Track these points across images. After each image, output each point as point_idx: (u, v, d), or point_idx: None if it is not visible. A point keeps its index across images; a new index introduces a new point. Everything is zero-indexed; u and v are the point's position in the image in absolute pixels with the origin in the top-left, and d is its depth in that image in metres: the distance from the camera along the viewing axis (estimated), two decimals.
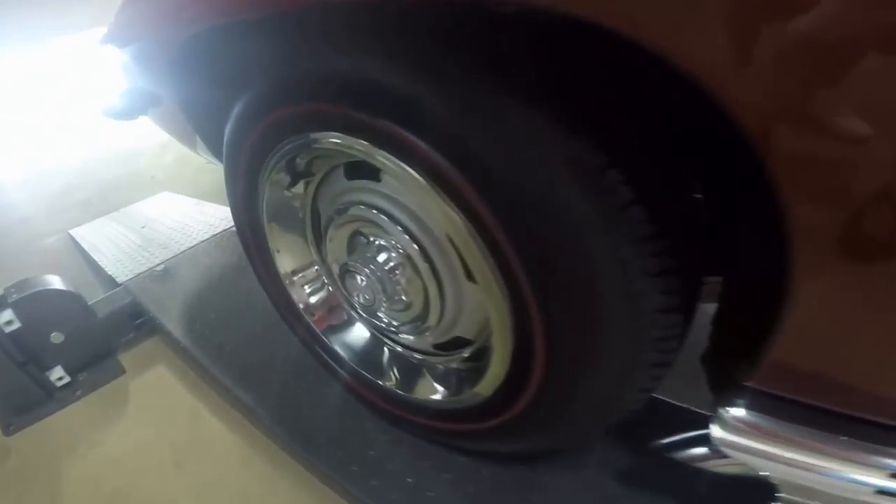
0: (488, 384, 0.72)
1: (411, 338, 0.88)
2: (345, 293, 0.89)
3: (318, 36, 0.65)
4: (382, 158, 0.63)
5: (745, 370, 0.59)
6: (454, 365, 0.84)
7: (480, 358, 0.77)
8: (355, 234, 0.83)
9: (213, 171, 2.35)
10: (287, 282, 0.96)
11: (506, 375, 0.68)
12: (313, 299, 0.98)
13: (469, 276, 0.72)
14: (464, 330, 0.80)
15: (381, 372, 0.92)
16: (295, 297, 0.97)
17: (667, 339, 0.60)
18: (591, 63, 0.54)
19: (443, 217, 0.61)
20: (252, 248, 0.98)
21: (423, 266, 0.74)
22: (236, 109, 0.80)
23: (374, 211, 0.76)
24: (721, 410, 0.62)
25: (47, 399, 1.31)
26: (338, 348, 0.95)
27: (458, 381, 0.82)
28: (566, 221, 0.53)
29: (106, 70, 1.27)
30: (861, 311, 0.46)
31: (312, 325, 0.97)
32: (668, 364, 0.64)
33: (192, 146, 1.16)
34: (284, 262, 0.95)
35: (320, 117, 0.67)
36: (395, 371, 0.91)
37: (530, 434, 0.75)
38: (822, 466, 0.61)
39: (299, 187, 0.89)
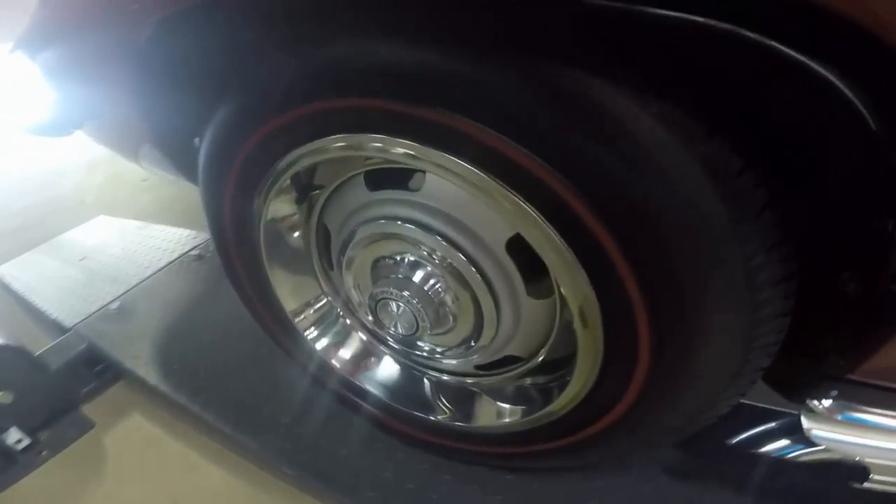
0: (563, 403, 0.65)
1: (453, 362, 0.79)
2: (372, 325, 0.79)
3: (358, 17, 0.54)
4: (439, 162, 0.54)
5: (839, 364, 0.56)
6: (527, 382, 0.76)
7: (555, 374, 0.70)
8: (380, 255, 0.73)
9: (152, 187, 2.13)
10: (295, 319, 0.85)
11: (587, 394, 0.62)
12: (329, 338, 0.87)
13: (531, 289, 0.65)
14: (517, 348, 0.73)
15: (425, 405, 0.82)
16: (307, 335, 0.86)
17: (775, 343, 0.56)
18: (722, 62, 0.46)
19: (513, 227, 0.54)
20: (245, 281, 0.86)
21: (476, 283, 0.65)
22: (222, 115, 0.68)
23: (411, 225, 0.66)
24: (812, 403, 0.60)
25: (9, 465, 1.13)
26: (367, 386, 0.85)
27: (529, 401, 0.75)
28: (699, 232, 0.46)
29: (23, 81, 1.09)
30: None
31: (332, 365, 0.86)
32: (767, 367, 0.60)
33: (135, 158, 1.00)
34: (289, 297, 0.84)
35: (356, 116, 0.57)
36: (445, 401, 0.82)
37: (603, 448, 0.70)
38: None
39: (304, 205, 0.78)
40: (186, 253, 1.59)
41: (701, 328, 0.51)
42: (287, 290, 0.83)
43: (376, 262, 0.72)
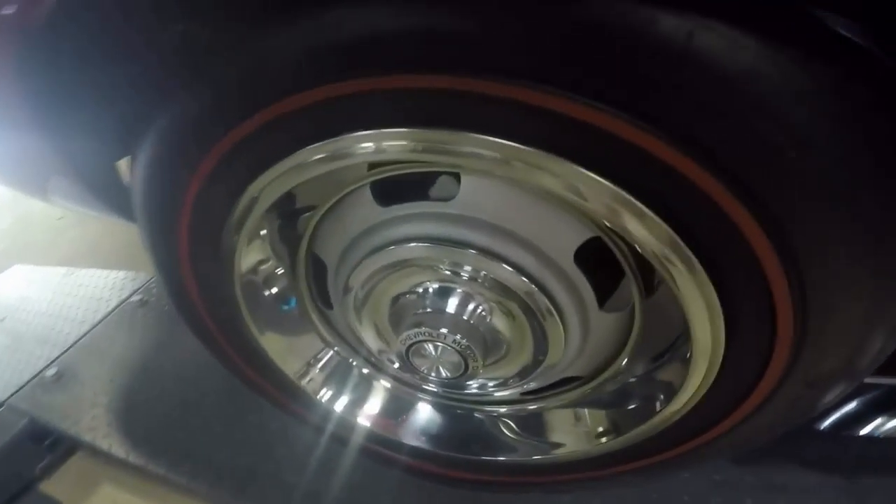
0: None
1: (504, 393, 0.66)
2: (399, 373, 0.65)
3: None
4: (496, 154, 0.40)
5: None
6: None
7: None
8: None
9: (71, 225, 1.85)
10: (302, 382, 0.69)
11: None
12: (349, 394, 0.72)
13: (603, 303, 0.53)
14: (580, 368, 0.61)
15: (492, 446, 0.68)
16: (321, 397, 0.70)
17: None
18: None
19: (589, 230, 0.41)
20: (225, 346, 0.69)
21: (538, 302, 0.52)
22: (158, 131, 0.51)
23: (445, 245, 0.52)
24: None
25: None
26: (407, 441, 0.70)
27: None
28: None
29: None
30: None
31: (360, 424, 0.71)
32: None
33: (43, 194, 0.78)
34: (287, 358, 0.68)
35: (374, 103, 0.42)
36: (514, 434, 0.68)
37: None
38: None
39: (286, 234, 0.62)
40: (126, 300, 1.37)
41: (854, 324, 0.41)
42: (283, 349, 0.67)
43: (397, 297, 0.57)
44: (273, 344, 0.65)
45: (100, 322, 1.32)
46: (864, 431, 0.66)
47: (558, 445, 0.65)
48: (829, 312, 0.40)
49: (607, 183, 0.39)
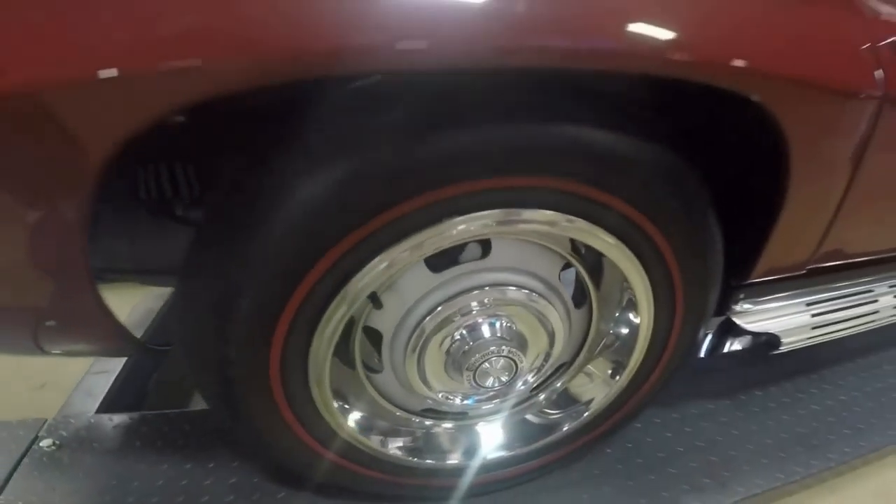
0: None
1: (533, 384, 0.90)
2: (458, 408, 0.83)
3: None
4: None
5: (739, 276, 0.88)
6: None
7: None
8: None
9: None
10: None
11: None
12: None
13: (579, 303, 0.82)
14: (566, 354, 0.89)
15: (546, 428, 0.92)
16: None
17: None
18: None
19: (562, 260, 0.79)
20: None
21: (543, 306, 0.78)
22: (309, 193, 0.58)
23: (484, 288, 0.74)
24: (733, 308, 0.92)
25: None
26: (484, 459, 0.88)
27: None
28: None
29: None
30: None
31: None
32: None
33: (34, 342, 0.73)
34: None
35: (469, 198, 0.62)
36: (557, 412, 0.93)
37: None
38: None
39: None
40: (33, 445, 1.21)
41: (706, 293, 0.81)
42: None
43: (448, 345, 0.75)
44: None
45: (6, 481, 1.15)
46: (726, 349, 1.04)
47: (590, 402, 0.90)
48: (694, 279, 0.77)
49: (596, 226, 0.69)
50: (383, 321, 0.75)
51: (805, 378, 1.29)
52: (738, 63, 0.60)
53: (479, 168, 0.60)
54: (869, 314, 1.08)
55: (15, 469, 1.15)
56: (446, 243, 0.65)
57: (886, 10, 0.78)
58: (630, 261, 0.74)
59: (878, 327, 1.13)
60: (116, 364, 1.47)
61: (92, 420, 1.23)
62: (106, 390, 1.37)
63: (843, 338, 1.07)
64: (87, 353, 1.11)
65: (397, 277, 0.71)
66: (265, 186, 0.60)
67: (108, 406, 1.32)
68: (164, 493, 1.00)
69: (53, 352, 0.71)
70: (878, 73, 0.70)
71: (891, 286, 1.10)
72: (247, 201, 0.61)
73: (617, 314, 0.86)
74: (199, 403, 1.43)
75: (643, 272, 0.75)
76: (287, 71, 0.48)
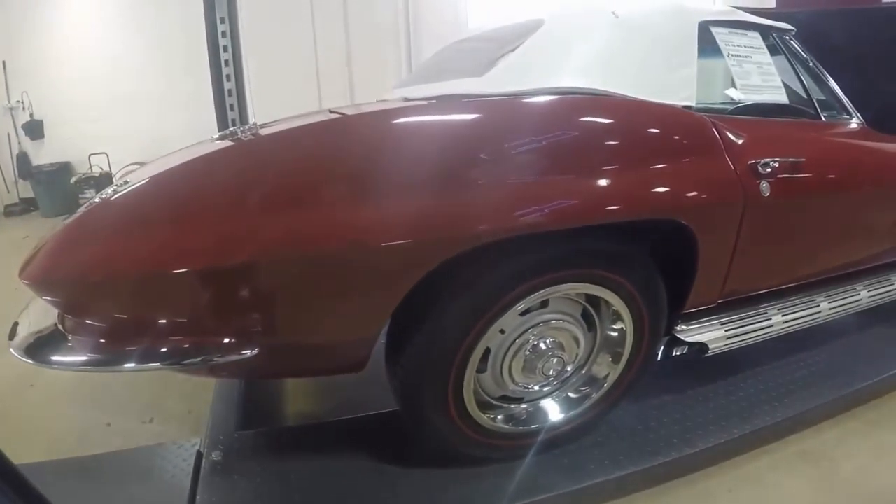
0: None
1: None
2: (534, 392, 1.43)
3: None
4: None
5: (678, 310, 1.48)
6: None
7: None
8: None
9: None
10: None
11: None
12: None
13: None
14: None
15: (581, 400, 1.52)
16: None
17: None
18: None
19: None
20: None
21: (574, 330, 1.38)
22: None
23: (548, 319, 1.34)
24: (676, 328, 1.51)
25: None
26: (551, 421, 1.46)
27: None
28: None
29: None
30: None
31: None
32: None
33: None
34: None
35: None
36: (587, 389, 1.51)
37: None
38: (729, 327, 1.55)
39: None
40: (203, 460, 1.51)
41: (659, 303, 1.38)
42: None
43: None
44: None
45: None
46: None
47: (605, 378, 1.46)
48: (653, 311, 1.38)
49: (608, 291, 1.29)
50: (493, 344, 1.33)
51: (737, 374, 1.85)
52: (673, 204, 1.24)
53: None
54: (766, 328, 1.66)
55: (196, 481, 1.44)
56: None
57: (742, 141, 1.40)
58: (620, 304, 1.35)
59: (777, 336, 1.71)
60: (232, 394, 1.88)
61: (236, 435, 1.60)
62: (236, 413, 1.73)
63: (762, 343, 1.64)
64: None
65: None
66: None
67: (244, 425, 1.67)
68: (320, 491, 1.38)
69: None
70: (742, 189, 1.34)
71: (779, 308, 1.69)
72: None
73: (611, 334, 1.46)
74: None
75: (627, 310, 1.37)
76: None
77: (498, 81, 1.47)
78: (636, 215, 1.24)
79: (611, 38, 1.51)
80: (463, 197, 1.10)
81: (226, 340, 1.04)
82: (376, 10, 5.78)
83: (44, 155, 5.73)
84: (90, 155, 5.65)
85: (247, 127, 1.43)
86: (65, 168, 5.66)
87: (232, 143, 1.25)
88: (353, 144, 1.16)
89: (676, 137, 1.36)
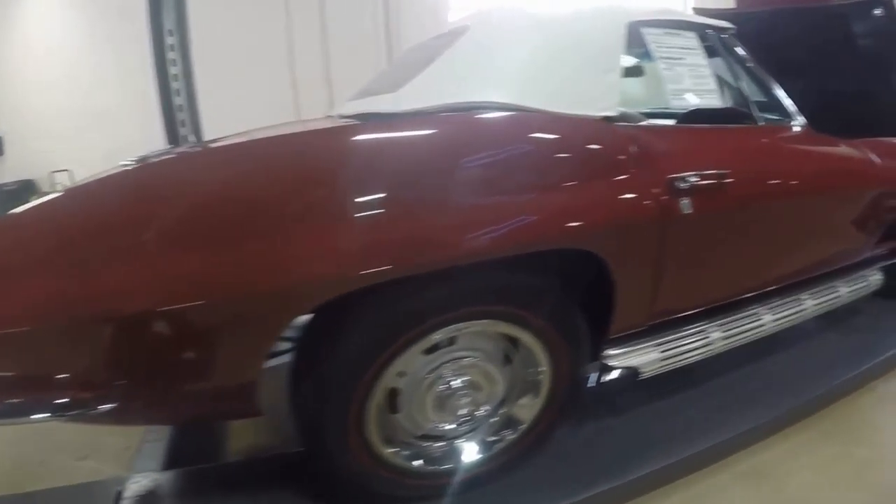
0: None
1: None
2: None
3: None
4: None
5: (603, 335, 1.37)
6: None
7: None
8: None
9: None
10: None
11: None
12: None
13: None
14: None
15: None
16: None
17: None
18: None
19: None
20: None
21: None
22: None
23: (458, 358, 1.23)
24: (604, 353, 1.40)
25: None
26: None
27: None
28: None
29: None
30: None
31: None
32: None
33: None
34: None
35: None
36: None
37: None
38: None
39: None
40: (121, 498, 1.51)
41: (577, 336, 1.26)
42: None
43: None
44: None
45: None
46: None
47: (526, 416, 1.36)
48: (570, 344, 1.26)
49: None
50: (399, 384, 1.22)
51: (678, 393, 1.75)
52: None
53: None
54: (705, 346, 1.56)
55: None
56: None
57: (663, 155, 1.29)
58: (532, 340, 1.24)
59: (718, 353, 1.61)
60: (163, 432, 1.79)
61: (157, 476, 1.53)
62: (164, 453, 1.65)
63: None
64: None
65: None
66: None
67: (170, 464, 1.59)
68: None
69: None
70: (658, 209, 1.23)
71: (719, 325, 1.59)
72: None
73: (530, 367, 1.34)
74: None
75: (541, 346, 1.25)
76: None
77: (408, 98, 1.35)
78: (534, 247, 1.13)
79: (530, 44, 1.39)
80: (333, 237, 0.98)
81: (81, 394, 0.93)
82: (355, 16, 5.62)
83: (4, 172, 5.56)
84: (52, 172, 5.50)
85: (160, 151, 1.32)
86: (27, 186, 5.50)
87: (105, 178, 1.13)
88: (211, 182, 1.03)
89: (584, 156, 1.24)
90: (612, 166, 1.23)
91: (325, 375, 1.09)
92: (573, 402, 1.40)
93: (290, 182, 1.02)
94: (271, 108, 4.79)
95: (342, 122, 1.47)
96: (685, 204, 1.27)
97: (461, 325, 1.15)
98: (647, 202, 1.23)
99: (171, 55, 3.08)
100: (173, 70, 3.07)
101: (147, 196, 1.01)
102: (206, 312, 0.92)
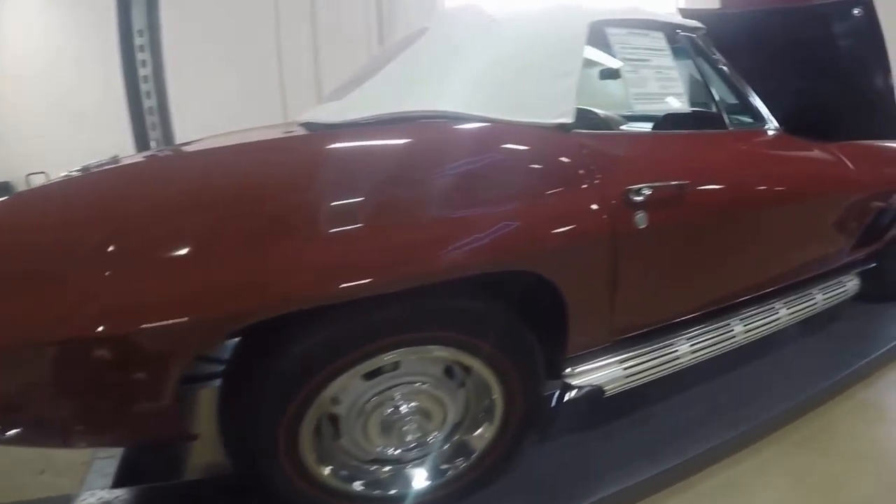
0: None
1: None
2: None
3: None
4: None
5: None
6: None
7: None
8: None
9: None
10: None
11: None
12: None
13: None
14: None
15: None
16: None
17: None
18: None
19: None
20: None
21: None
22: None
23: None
24: (564, 373, 1.32)
25: None
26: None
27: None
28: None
29: None
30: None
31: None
32: None
33: None
34: None
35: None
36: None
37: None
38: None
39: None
40: None
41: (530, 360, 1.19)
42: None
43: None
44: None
45: None
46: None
47: (479, 444, 1.26)
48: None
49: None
50: (342, 410, 1.14)
51: (644, 407, 1.68)
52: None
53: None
54: (673, 360, 1.49)
55: None
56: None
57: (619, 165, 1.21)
58: (481, 366, 1.15)
59: (687, 366, 1.54)
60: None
61: (105, 493, 1.46)
62: (116, 470, 1.58)
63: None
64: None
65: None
66: None
67: (122, 482, 1.53)
68: None
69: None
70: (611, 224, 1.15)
71: (688, 339, 1.52)
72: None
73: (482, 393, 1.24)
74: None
75: (490, 372, 1.15)
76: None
77: (351, 107, 1.26)
78: (470, 271, 1.03)
79: (485, 47, 1.31)
80: (246, 262, 0.90)
81: None
82: (347, 15, 5.47)
83: None
84: (28, 175, 5.37)
85: (103, 161, 1.24)
86: (3, 188, 5.37)
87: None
88: (119, 203, 0.94)
89: (530, 169, 1.16)
90: (561, 179, 1.15)
91: (251, 401, 1.01)
92: (534, 423, 1.33)
93: (197, 205, 0.94)
94: (259, 109, 4.70)
95: (283, 134, 1.39)
96: (641, 217, 1.19)
97: (400, 351, 1.07)
98: (599, 217, 1.14)
99: (140, 56, 2.99)
100: (143, 71, 2.97)
101: (50, 217, 0.93)
102: (105, 341, 0.84)
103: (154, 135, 2.94)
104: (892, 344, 2.03)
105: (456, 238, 1.00)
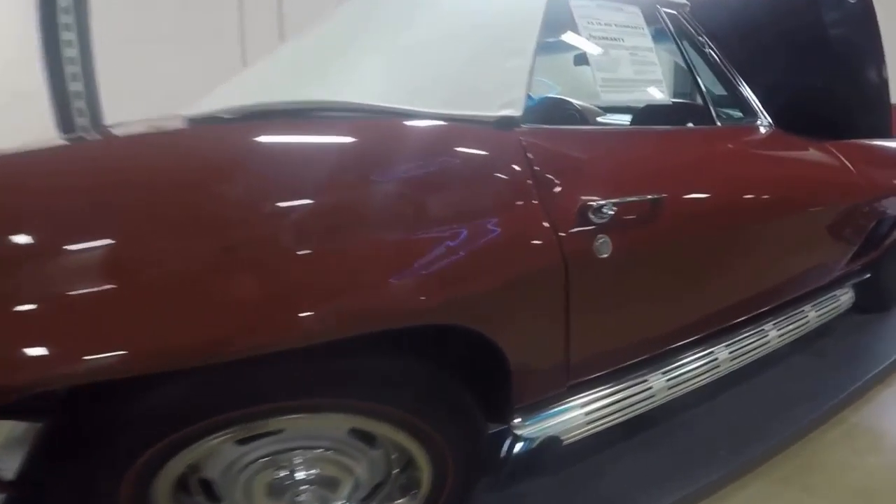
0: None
1: None
2: None
3: None
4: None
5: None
6: None
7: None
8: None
9: None
10: None
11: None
12: None
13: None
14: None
15: None
16: None
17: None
18: None
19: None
20: None
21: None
22: None
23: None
24: (513, 423, 1.05)
25: None
26: None
27: None
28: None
29: None
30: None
31: None
32: None
33: None
34: None
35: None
36: None
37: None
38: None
39: None
40: None
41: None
42: None
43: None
44: None
45: None
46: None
47: None
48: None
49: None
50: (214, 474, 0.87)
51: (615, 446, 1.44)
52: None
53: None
54: (646, 398, 1.24)
55: None
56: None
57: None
58: (396, 433, 0.88)
59: (663, 403, 1.30)
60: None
61: None
62: None
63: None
64: None
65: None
66: None
67: None
68: None
69: None
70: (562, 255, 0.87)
71: (663, 373, 1.27)
72: None
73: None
74: None
75: (410, 439, 0.88)
76: None
77: (246, 91, 0.96)
78: (361, 330, 0.73)
79: (413, 21, 1.02)
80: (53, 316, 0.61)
81: None
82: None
83: None
84: None
85: None
86: None
87: None
88: None
89: (451, 185, 0.82)
90: (497, 195, 0.85)
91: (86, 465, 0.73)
92: (473, 487, 1.07)
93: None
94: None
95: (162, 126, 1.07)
96: (602, 244, 0.90)
97: (275, 419, 0.79)
98: (547, 246, 0.85)
99: (66, 36, 2.63)
100: (69, 52, 2.62)
101: None
102: None
103: (82, 121, 2.60)
104: (887, 363, 1.82)
105: (350, 287, 0.69)
